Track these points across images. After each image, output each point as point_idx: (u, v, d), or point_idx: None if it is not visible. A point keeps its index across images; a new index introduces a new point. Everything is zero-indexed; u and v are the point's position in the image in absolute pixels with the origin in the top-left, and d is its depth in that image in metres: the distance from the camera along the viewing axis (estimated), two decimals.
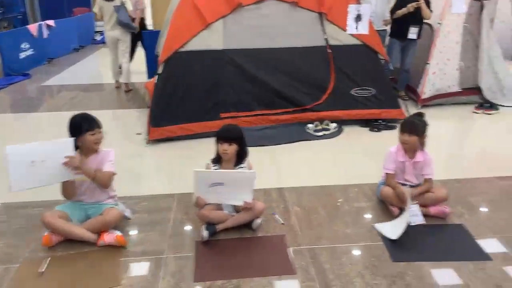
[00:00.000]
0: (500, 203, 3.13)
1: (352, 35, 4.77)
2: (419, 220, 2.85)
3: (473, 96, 5.52)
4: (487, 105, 5.29)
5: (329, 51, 4.78)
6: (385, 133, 4.65)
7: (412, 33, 5.39)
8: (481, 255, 2.51)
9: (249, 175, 2.69)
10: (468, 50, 5.50)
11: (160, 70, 4.47)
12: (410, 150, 3.00)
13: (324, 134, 4.56)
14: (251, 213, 2.76)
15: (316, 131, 4.58)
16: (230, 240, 2.70)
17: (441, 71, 5.36)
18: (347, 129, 4.75)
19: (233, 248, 2.62)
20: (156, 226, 2.86)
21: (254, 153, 4.18)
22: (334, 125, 4.68)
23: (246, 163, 2.83)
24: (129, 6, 6.43)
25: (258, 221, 2.80)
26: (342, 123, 4.82)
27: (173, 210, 3.06)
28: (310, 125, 4.65)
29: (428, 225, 2.82)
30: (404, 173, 3.04)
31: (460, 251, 2.56)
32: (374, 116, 4.82)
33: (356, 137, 4.58)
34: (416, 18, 5.34)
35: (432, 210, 2.91)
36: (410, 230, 2.77)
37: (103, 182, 2.68)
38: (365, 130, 4.73)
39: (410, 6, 5.25)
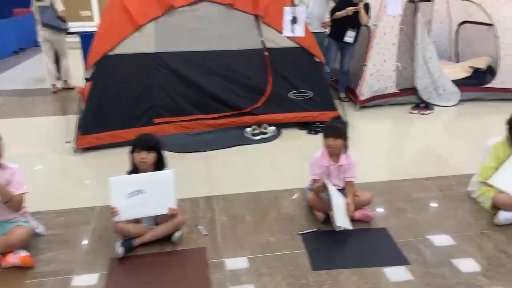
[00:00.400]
0: (424, 204, 3.16)
1: (288, 37, 4.74)
2: (345, 225, 2.83)
3: (410, 96, 5.63)
4: (422, 105, 5.40)
5: (266, 53, 4.73)
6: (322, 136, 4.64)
7: (349, 36, 5.46)
8: (400, 260, 2.51)
9: (166, 174, 2.59)
10: (404, 51, 5.60)
11: (88, 75, 4.27)
12: (335, 154, 2.98)
13: (262, 138, 4.50)
14: (170, 225, 2.65)
15: (254, 135, 4.52)
16: (148, 255, 2.57)
17: (378, 72, 5.43)
18: (285, 132, 4.72)
19: (149, 264, 2.49)
20: (70, 243, 2.70)
21: (188, 159, 4.12)
22: (272, 128, 4.63)
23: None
24: (59, 6, 6.25)
25: (178, 234, 2.69)
26: (281, 126, 4.79)
27: (92, 225, 2.90)
28: (248, 129, 4.58)
29: (352, 230, 2.79)
30: (330, 177, 3.01)
31: (380, 256, 2.56)
32: (311, 119, 4.81)
33: (294, 140, 4.55)
34: (354, 22, 5.42)
35: (357, 214, 2.90)
36: (334, 236, 2.75)
37: (16, 206, 2.51)
38: (303, 133, 4.71)
39: (349, 10, 5.32)
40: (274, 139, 4.54)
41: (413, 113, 5.33)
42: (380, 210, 3.07)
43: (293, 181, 3.50)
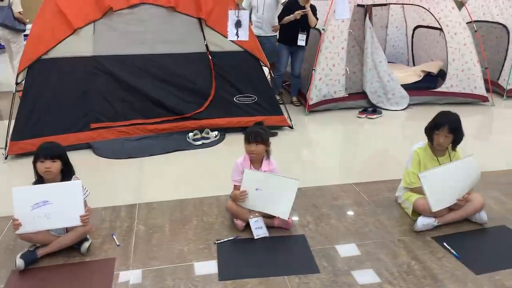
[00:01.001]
0: (349, 210, 3.13)
1: (232, 41, 4.69)
2: (262, 232, 2.78)
3: (359, 101, 5.64)
4: (370, 110, 5.41)
5: (210, 57, 4.68)
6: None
7: (301, 39, 5.50)
8: (310, 268, 2.47)
9: (74, 185, 2.51)
10: (354, 56, 5.61)
11: (19, 79, 4.15)
12: (257, 160, 2.93)
13: (203, 143, 4.43)
14: (77, 233, 2.56)
15: (195, 140, 4.45)
16: (53, 267, 2.48)
17: (327, 77, 5.42)
18: (229, 137, 4.66)
19: (52, 277, 2.40)
20: None
21: (119, 166, 4.00)
22: (214, 133, 4.57)
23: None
24: (17, 7, 6.24)
25: (86, 244, 2.60)
26: (225, 131, 4.74)
27: (2, 235, 2.79)
28: (190, 134, 4.51)
29: (270, 238, 2.75)
30: None
31: (292, 265, 2.51)
32: None
33: (236, 145, 4.45)
34: (304, 25, 5.45)
35: (276, 221, 2.85)
36: (251, 244, 2.70)
37: None
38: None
39: (297, 14, 5.34)
40: (216, 144, 4.49)
41: (360, 118, 5.33)
42: (305, 216, 3.03)
43: (224, 187, 3.42)
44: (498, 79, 6.30)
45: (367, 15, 5.60)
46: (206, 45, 4.67)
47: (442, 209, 2.84)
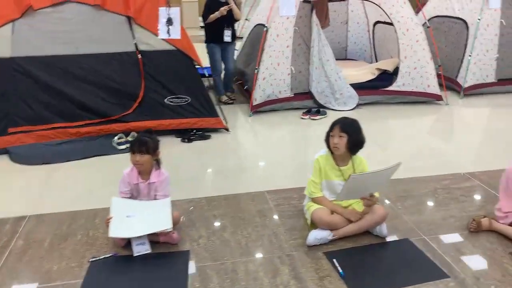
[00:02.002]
0: (250, 221, 2.94)
1: (164, 40, 4.50)
2: (144, 249, 2.59)
3: (306, 101, 5.43)
4: (314, 110, 5.20)
5: (139, 57, 4.48)
6: (197, 144, 4.42)
7: (227, 35, 5.42)
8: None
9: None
10: (300, 54, 5.39)
11: None
12: (144, 171, 2.75)
13: (127, 147, 4.23)
14: None
15: (119, 144, 4.26)
16: None
17: (271, 76, 5.21)
18: (162, 140, 4.46)
19: None
20: None
21: (28, 172, 3.75)
22: None
23: None
24: None
25: None
26: (158, 133, 4.53)
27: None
28: (115, 138, 4.32)
29: (151, 254, 2.56)
30: (140, 196, 2.78)
31: (163, 284, 2.33)
32: (189, 126, 4.57)
33: (164, 149, 4.28)
34: (228, 21, 5.39)
35: (161, 237, 2.66)
36: (127, 262, 2.51)
37: None
38: (178, 141, 4.47)
39: (223, 10, 5.24)
40: None
41: (303, 119, 5.13)
42: (200, 229, 2.84)
43: None
44: (457, 76, 6.08)
45: (314, 11, 5.37)
46: (136, 44, 4.47)
47: (339, 222, 2.66)
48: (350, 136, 2.69)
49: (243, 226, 2.88)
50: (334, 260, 2.48)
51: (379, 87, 5.60)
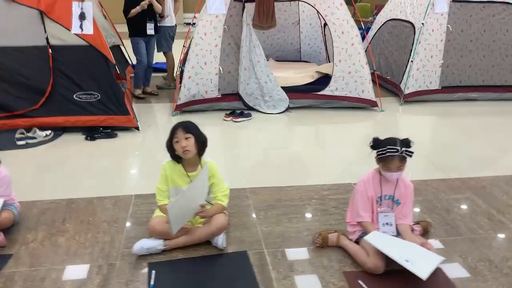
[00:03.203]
0: (93, 225, 2.82)
1: (77, 35, 4.40)
2: None
3: (234, 102, 5.29)
4: (238, 112, 5.06)
5: (50, 51, 4.39)
6: (99, 142, 4.32)
7: (150, 28, 5.51)
8: None
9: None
10: (230, 54, 5.24)
11: None
12: None
13: (27, 143, 4.16)
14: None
15: (18, 139, 4.17)
16: None
17: (197, 75, 5.08)
18: (65, 138, 4.39)
19: None
20: None
21: None
22: (43, 133, 4.28)
23: None
24: None
25: None
26: (65, 130, 4.47)
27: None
28: (17, 133, 4.24)
29: None
30: None
31: None
32: (97, 123, 4.47)
33: (66, 147, 4.20)
34: (150, 14, 5.48)
35: None
36: None
37: None
38: (82, 138, 4.38)
39: (144, 4, 5.31)
40: (43, 144, 4.21)
41: (226, 120, 4.99)
42: (39, 231, 2.73)
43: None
44: (401, 82, 5.88)
45: (244, 10, 5.21)
46: (47, 39, 4.38)
47: (176, 232, 2.53)
48: (196, 135, 2.57)
49: (86, 231, 2.76)
50: (153, 272, 2.36)
51: (312, 91, 5.43)
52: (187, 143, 2.53)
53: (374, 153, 2.50)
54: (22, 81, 4.35)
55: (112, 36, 6.16)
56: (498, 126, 4.99)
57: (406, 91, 5.68)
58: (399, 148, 2.40)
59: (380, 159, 2.46)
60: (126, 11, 5.43)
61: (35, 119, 4.35)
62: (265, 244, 2.63)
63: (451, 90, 5.82)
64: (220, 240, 2.55)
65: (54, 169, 3.73)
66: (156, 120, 5.10)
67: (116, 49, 6.29)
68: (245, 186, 3.38)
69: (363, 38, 5.73)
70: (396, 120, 5.31)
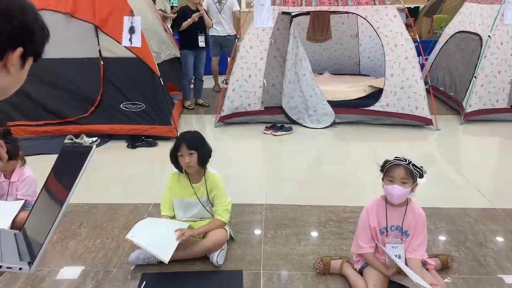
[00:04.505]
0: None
1: (126, 47, 4.65)
2: None
3: (278, 115, 5.20)
4: (278, 126, 4.96)
5: (102, 63, 4.67)
6: (140, 151, 4.47)
7: (201, 41, 5.64)
8: None
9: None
10: (275, 67, 5.20)
11: None
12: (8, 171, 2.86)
13: None
14: None
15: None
16: None
17: (241, 88, 5.10)
18: (110, 145, 4.62)
19: None
20: None
21: None
22: (91, 139, 4.55)
23: None
24: None
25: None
26: (112, 138, 4.70)
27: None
28: (66, 139, 4.55)
29: None
30: (4, 194, 2.89)
31: None
32: (140, 132, 4.65)
33: (107, 154, 4.40)
34: (201, 27, 5.61)
35: None
36: None
37: None
38: (125, 146, 4.56)
39: (195, 16, 5.46)
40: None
41: (266, 133, 4.92)
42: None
43: None
44: (463, 99, 5.39)
45: (292, 23, 5.14)
46: (99, 51, 4.67)
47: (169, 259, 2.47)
48: (200, 151, 2.56)
49: (96, 236, 2.84)
50: (144, 283, 2.35)
51: (362, 106, 5.17)
52: (190, 159, 2.52)
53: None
54: (75, 90, 4.66)
55: (172, 49, 6.42)
56: None
57: (468, 109, 5.19)
58: (407, 159, 2.18)
59: (386, 172, 2.22)
60: (178, 23, 5.64)
61: (84, 126, 4.63)
62: (263, 265, 2.51)
63: None
64: (216, 257, 2.49)
65: (89, 174, 3.92)
66: (200, 130, 5.16)
67: (176, 61, 6.53)
68: (263, 201, 3.28)
69: (421, 52, 5.34)
70: (452, 141, 4.87)
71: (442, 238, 2.79)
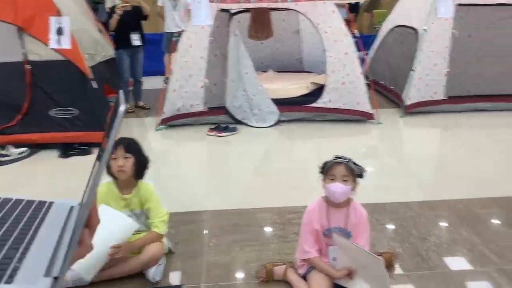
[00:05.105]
0: None
1: (54, 49, 4.33)
2: None
3: (222, 116, 5.07)
4: (223, 127, 4.83)
5: (28, 67, 4.32)
6: (72, 160, 4.19)
7: (135, 39, 5.30)
8: None
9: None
10: (216, 66, 5.05)
11: None
12: None
13: (0, 161, 4.09)
14: None
15: None
16: None
17: (181, 88, 4.91)
18: (41, 155, 4.30)
19: None
20: None
21: None
22: (20, 150, 4.21)
23: None
24: None
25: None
26: (44, 147, 4.37)
27: None
28: None
29: None
30: None
31: None
32: (73, 140, 4.35)
33: (38, 165, 4.10)
34: (134, 24, 5.29)
35: None
36: None
37: None
38: (55, 155, 4.26)
39: (118, 10, 5.16)
40: (17, 161, 4.12)
41: (210, 135, 4.77)
42: None
43: None
44: (403, 92, 5.50)
45: (231, 20, 5.02)
46: (24, 54, 4.32)
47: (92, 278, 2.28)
48: (137, 157, 2.37)
49: None
50: None
51: (305, 103, 5.14)
52: (124, 163, 2.33)
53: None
54: (0, 98, 4.29)
55: (108, 49, 6.10)
56: (505, 140, 4.55)
57: (408, 102, 5.30)
58: (347, 158, 2.13)
59: (326, 171, 2.16)
60: (107, 23, 5.37)
61: (10, 136, 4.28)
62: (205, 277, 2.38)
63: (458, 101, 5.39)
64: (152, 273, 2.32)
65: (20, 188, 3.62)
66: (140, 135, 4.94)
67: (113, 62, 6.22)
68: (207, 208, 3.14)
69: (360, 47, 5.38)
70: (393, 134, 4.95)
71: (385, 234, 2.77)
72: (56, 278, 0.59)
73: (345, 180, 2.11)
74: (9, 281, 0.56)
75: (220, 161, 4.30)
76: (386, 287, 2.04)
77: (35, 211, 0.75)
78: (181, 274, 2.41)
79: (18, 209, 0.75)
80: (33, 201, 0.79)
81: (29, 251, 0.63)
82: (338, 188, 2.11)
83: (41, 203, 0.80)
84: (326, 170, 2.17)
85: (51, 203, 0.80)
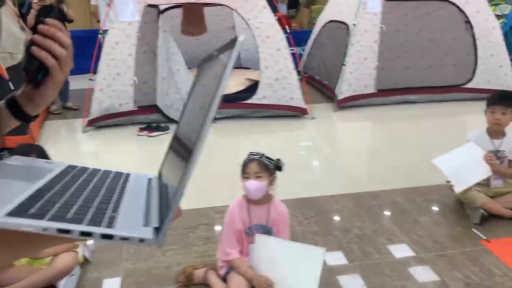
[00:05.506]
0: None
1: None
2: None
3: (153, 115, 4.92)
4: (154, 126, 4.69)
5: None
6: None
7: None
8: None
9: None
10: (145, 63, 4.89)
11: None
12: None
13: None
14: None
15: None
16: None
17: (109, 87, 4.71)
18: None
19: None
20: None
21: None
22: None
23: None
24: None
25: None
26: None
27: None
28: None
29: None
30: None
31: None
32: None
33: None
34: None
35: None
36: None
37: None
38: None
39: (34, 5, 4.90)
40: None
41: (140, 135, 4.62)
42: None
43: None
44: (336, 87, 5.59)
45: (160, 16, 4.87)
46: None
47: (11, 277, 2.13)
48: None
49: None
50: None
51: (239, 100, 5.09)
52: None
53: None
54: None
55: None
56: (432, 130, 4.73)
57: (340, 96, 5.39)
58: (260, 153, 2.11)
59: (242, 170, 2.13)
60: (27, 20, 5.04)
61: None
62: (122, 286, 2.26)
63: (388, 93, 5.55)
64: (63, 285, 2.17)
65: None
66: (66, 137, 4.71)
67: None
68: None
69: (291, 42, 5.40)
70: (326, 128, 5.01)
71: (310, 229, 2.77)
72: (157, 229, 0.58)
73: (258, 177, 2.08)
74: (109, 226, 0.55)
75: (150, 162, 4.14)
76: (316, 277, 2.01)
77: (114, 179, 0.76)
78: (96, 284, 2.28)
79: (97, 176, 0.75)
80: (110, 171, 0.80)
81: (120, 207, 0.62)
82: (252, 185, 2.08)
83: (119, 174, 0.81)
84: (242, 168, 2.15)
85: (128, 174, 0.81)
